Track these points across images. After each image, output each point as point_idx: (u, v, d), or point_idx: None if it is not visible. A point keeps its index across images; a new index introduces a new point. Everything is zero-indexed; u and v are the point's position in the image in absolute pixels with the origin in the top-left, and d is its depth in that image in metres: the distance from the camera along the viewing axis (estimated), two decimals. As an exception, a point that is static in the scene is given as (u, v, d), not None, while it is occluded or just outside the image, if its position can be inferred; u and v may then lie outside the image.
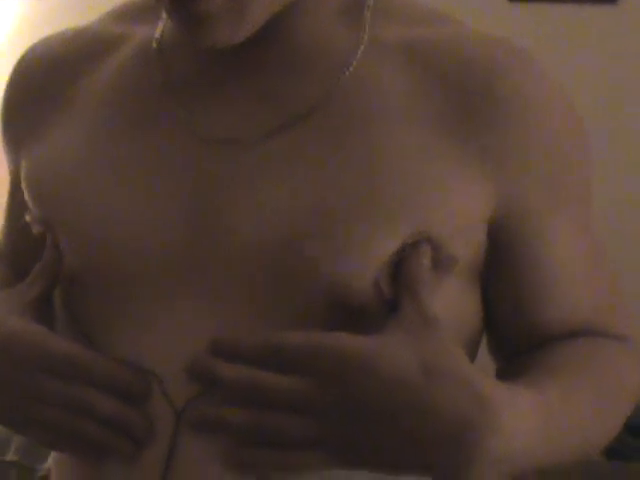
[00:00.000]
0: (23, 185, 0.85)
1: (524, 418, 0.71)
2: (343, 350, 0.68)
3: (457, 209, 0.75)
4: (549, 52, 2.55)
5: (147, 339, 0.76)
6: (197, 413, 0.71)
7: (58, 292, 0.83)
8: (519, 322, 0.83)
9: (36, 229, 0.82)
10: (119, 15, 0.87)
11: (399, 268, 0.74)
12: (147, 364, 0.76)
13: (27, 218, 0.83)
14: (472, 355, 0.85)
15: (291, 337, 0.69)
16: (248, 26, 0.72)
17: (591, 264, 0.84)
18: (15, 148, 0.88)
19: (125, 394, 0.74)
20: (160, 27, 0.83)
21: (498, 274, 0.81)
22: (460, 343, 0.81)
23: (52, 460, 0.87)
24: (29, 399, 0.74)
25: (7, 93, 0.89)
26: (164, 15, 0.83)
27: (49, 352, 0.74)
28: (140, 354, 0.76)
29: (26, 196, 0.84)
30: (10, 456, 2.13)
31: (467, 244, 0.77)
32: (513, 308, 0.83)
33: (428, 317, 0.71)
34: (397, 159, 0.74)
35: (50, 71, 0.86)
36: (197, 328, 0.75)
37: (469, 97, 0.76)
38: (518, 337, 0.84)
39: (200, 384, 0.71)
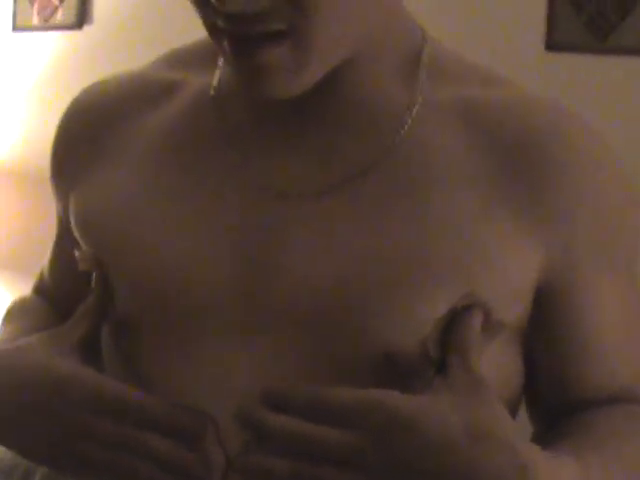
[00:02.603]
0: (73, 224, 0.86)
1: None
2: (392, 408, 0.68)
3: (507, 274, 0.75)
4: (586, 103, 2.55)
5: (198, 378, 0.77)
6: (244, 461, 0.71)
7: (108, 330, 0.83)
8: (557, 383, 0.83)
9: (83, 266, 0.83)
10: (172, 61, 0.88)
11: (448, 330, 0.75)
12: (199, 403, 0.76)
13: (77, 254, 0.84)
14: (512, 415, 0.85)
15: (341, 393, 0.69)
16: (306, 79, 0.72)
17: (633, 329, 0.84)
18: (66, 189, 0.88)
19: (182, 436, 0.74)
20: (217, 75, 0.83)
21: (540, 334, 0.82)
22: (502, 403, 0.81)
23: None
24: (84, 442, 0.74)
25: (60, 134, 0.90)
26: (220, 63, 0.84)
27: (102, 396, 0.74)
28: (191, 393, 0.76)
29: (76, 234, 0.85)
30: (33, 487, 2.12)
31: (515, 307, 0.77)
32: (552, 369, 0.83)
33: (476, 380, 0.71)
34: (450, 222, 0.75)
35: (104, 113, 0.87)
36: (247, 368, 0.76)
37: (522, 161, 0.76)
38: (555, 399, 0.84)
39: (248, 432, 0.71)
